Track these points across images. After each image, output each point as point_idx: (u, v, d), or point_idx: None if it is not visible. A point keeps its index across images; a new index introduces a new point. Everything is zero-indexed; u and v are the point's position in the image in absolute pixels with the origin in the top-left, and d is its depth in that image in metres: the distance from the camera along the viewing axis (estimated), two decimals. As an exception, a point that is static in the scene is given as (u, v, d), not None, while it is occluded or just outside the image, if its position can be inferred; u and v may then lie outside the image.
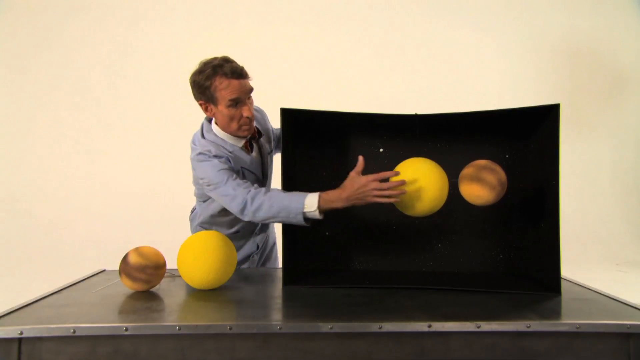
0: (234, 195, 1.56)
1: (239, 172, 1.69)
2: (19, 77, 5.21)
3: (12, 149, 5.19)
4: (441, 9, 5.32)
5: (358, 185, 1.46)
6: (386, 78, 5.26)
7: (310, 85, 5.12)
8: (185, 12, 5.25)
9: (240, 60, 1.64)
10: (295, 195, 1.52)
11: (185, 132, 5.18)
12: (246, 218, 1.58)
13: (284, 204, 1.51)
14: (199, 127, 1.76)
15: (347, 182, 1.50)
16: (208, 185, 1.63)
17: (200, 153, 1.64)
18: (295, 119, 1.64)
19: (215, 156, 1.62)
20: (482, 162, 1.48)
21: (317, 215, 1.51)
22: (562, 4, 5.33)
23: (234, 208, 1.58)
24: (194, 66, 1.64)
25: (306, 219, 1.51)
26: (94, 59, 5.24)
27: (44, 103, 5.22)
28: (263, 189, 1.56)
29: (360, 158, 1.50)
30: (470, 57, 5.32)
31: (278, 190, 1.57)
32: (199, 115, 1.72)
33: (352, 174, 1.50)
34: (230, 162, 1.65)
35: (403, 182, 1.43)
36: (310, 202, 1.49)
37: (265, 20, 5.26)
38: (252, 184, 1.61)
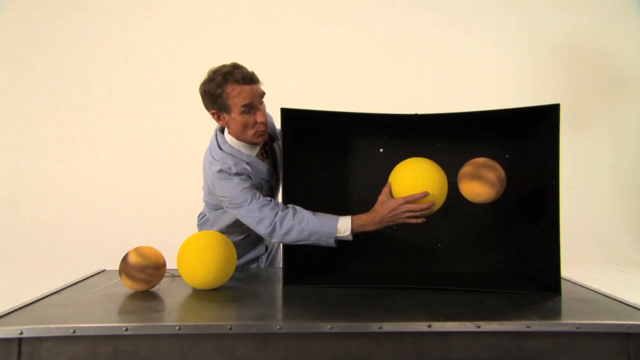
0: (261, 218, 1.54)
1: (259, 185, 1.68)
2: (19, 77, 5.21)
3: (13, 149, 5.19)
4: (441, 8, 5.32)
5: (390, 208, 1.48)
6: (386, 78, 5.25)
7: (310, 85, 5.11)
8: (186, 11, 5.24)
9: (240, 60, 1.64)
10: (326, 219, 1.52)
11: (185, 132, 5.18)
12: (274, 240, 1.57)
13: (315, 228, 1.51)
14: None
15: (378, 206, 1.51)
16: (230, 204, 1.60)
17: (221, 170, 1.60)
18: (295, 119, 1.64)
19: (237, 174, 1.60)
20: (481, 159, 1.48)
21: (349, 238, 1.53)
22: (562, 4, 5.33)
23: (261, 230, 1.56)
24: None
25: (335, 240, 1.53)
26: (94, 58, 5.24)
27: (44, 103, 5.22)
28: (290, 211, 1.54)
29: (389, 184, 1.53)
30: (470, 57, 5.32)
31: (305, 211, 1.55)
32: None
33: (382, 197, 1.52)
34: (251, 179, 1.64)
35: (433, 203, 1.46)
36: (344, 227, 1.51)
37: (265, 19, 5.26)
38: (266, 193, 1.59)
